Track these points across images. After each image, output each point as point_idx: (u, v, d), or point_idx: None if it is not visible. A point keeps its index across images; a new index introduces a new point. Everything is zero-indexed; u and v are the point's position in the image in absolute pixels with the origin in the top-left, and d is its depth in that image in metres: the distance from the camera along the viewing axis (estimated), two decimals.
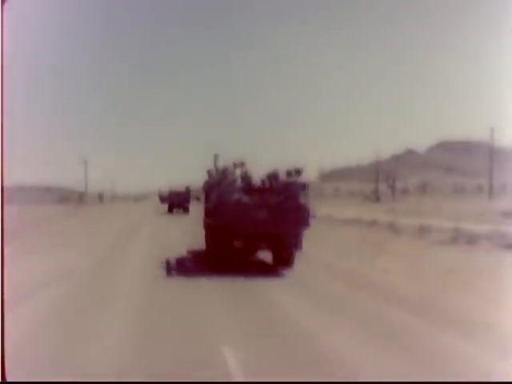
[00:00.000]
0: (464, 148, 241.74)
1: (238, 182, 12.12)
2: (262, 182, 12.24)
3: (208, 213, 12.99)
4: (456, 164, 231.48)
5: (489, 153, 72.38)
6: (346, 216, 31.34)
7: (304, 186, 11.68)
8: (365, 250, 15.27)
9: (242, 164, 12.48)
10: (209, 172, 13.38)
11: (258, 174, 12.40)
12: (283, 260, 11.84)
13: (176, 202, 42.75)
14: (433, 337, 6.39)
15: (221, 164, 13.00)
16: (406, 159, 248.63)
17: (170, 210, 42.47)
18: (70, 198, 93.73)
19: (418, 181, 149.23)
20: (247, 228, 11.17)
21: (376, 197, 79.48)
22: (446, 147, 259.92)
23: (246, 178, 12.27)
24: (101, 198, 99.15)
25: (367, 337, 6.35)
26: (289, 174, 11.90)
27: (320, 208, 45.74)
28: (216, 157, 13.48)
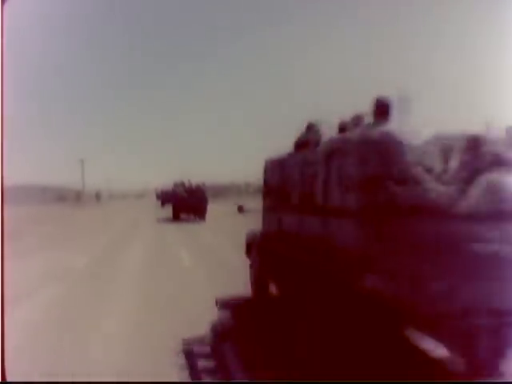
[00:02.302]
0: (460, 140, 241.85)
1: (184, 187, 31.27)
2: (195, 187, 31.19)
3: (172, 202, 31.91)
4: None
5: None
6: None
7: (205, 189, 30.90)
8: None
9: (189, 180, 32.02)
10: (174, 183, 33.43)
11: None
12: (200, 217, 29.56)
13: (167, 199, 53.50)
14: None
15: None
16: None
17: (163, 205, 57.44)
18: (67, 198, 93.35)
19: None
20: (185, 206, 29.91)
21: None
22: (441, 139, 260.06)
23: (189, 185, 31.37)
24: (98, 196, 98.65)
25: None
26: (202, 184, 31.39)
27: None
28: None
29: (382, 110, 4.11)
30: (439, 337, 4.05)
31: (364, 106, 4.58)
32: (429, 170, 4.40)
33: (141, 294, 8.77)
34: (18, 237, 19.16)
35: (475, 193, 3.97)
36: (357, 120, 4.51)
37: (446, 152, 5.20)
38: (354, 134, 4.19)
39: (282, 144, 6.27)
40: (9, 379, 4.50)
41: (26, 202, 67.32)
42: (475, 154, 4.52)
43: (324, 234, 4.38)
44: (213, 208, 34.71)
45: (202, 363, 5.32)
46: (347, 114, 4.85)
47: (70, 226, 28.86)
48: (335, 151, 4.28)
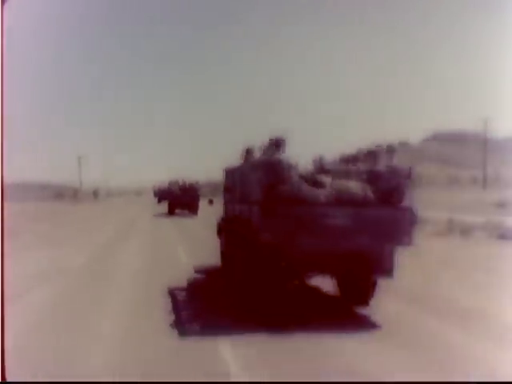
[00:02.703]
0: (458, 139, 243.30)
1: (179, 185, 35.98)
2: (188, 185, 36.21)
3: (167, 199, 36.93)
4: (450, 155, 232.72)
5: (483, 144, 73.16)
6: None
7: (197, 187, 36.38)
8: None
9: (183, 179, 36.84)
10: (169, 182, 37.77)
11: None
12: (192, 212, 35.09)
13: (163, 196, 58.79)
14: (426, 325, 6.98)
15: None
16: (400, 151, 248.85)
17: (159, 201, 62.42)
18: (65, 195, 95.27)
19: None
20: (179, 202, 35.53)
21: None
22: (440, 139, 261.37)
23: (183, 184, 35.90)
24: (96, 194, 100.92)
25: None
26: (196, 183, 36.61)
27: None
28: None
29: (277, 144, 7.24)
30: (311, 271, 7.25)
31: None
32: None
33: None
34: (17, 233, 19.25)
35: (330, 190, 7.11)
36: (268, 149, 7.64)
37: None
38: (261, 158, 7.42)
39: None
40: (9, 379, 4.57)
41: (25, 199, 69.09)
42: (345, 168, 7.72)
43: (247, 215, 7.55)
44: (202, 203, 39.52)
45: (180, 298, 8.49)
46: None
47: (68, 220, 31.71)
48: (254, 167, 7.43)
